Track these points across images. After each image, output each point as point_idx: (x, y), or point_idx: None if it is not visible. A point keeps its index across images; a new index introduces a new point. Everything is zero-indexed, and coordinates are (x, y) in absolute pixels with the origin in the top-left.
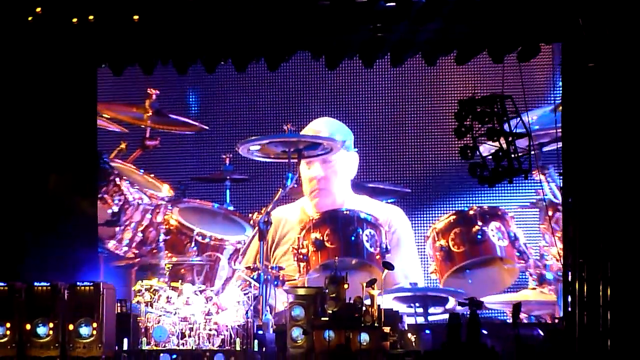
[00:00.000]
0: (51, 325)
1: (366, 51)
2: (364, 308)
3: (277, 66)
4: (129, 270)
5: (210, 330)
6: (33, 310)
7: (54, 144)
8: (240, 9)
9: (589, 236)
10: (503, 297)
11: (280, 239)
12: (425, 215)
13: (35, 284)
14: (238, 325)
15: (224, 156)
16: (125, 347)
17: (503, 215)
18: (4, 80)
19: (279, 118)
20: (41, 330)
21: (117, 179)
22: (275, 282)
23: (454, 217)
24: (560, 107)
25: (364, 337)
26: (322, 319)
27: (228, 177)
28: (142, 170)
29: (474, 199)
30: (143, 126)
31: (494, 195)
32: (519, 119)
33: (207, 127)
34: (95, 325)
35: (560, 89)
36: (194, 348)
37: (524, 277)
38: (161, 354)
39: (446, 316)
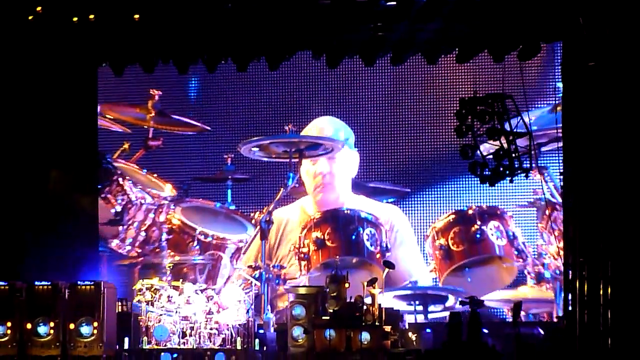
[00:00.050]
0: (52, 324)
1: (367, 50)
2: (364, 307)
3: (278, 66)
4: (132, 269)
5: (211, 329)
6: (34, 309)
7: (54, 143)
8: (241, 8)
9: (589, 235)
10: (501, 294)
11: (282, 239)
12: (424, 215)
13: (36, 283)
14: (239, 324)
15: (225, 156)
16: (126, 346)
17: (502, 214)
18: (4, 80)
19: (279, 118)
20: (42, 329)
21: (120, 179)
22: (277, 281)
23: (453, 216)
24: (559, 108)
25: (365, 336)
26: (323, 318)
27: (230, 177)
28: (145, 170)
29: (472, 198)
30: (146, 127)
31: (493, 194)
32: (519, 118)
33: (209, 128)
34: (96, 324)
35: (559, 88)
36: (194, 347)
37: (522, 275)
38: (162, 353)
39: (446, 314)
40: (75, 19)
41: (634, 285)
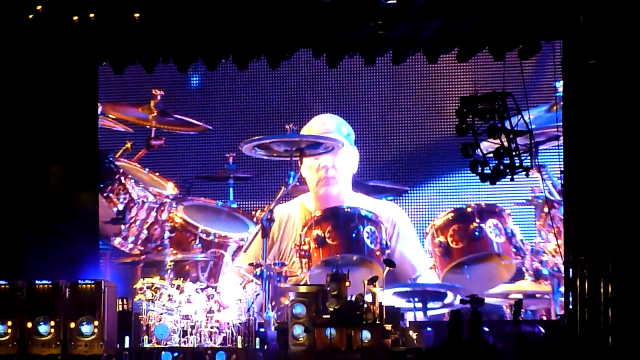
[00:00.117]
0: (52, 323)
1: (367, 49)
2: (365, 306)
3: (278, 64)
4: (135, 267)
5: (211, 328)
6: (34, 308)
7: (55, 141)
8: (241, 7)
9: (589, 234)
10: (499, 288)
11: (284, 235)
12: (423, 213)
13: (37, 282)
14: (240, 323)
15: (227, 155)
16: (126, 345)
17: (500, 212)
18: (5, 79)
19: (280, 116)
20: (42, 328)
21: (122, 178)
22: (278, 279)
23: (453, 214)
24: (556, 107)
25: (366, 335)
26: (324, 316)
27: (231, 176)
28: (147, 169)
29: (471, 196)
30: (148, 126)
31: (491, 192)
32: (519, 116)
33: (210, 127)
34: (96, 323)
35: (557, 87)
36: (195, 346)
37: (520, 272)
38: (163, 352)
39: (445, 311)
40: (75, 17)
41: (634, 284)
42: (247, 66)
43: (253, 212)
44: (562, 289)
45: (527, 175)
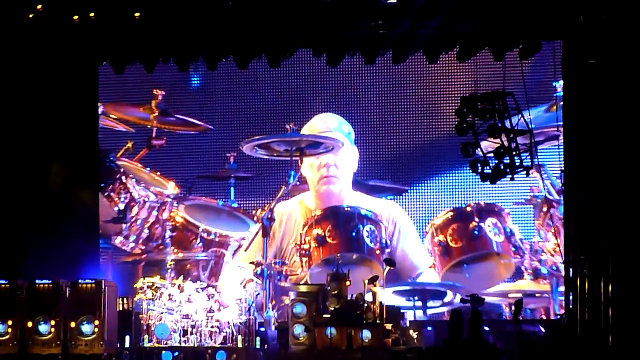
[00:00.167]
0: (53, 322)
1: (367, 48)
2: (365, 305)
3: (279, 63)
4: (136, 266)
5: (212, 327)
6: (35, 307)
7: (55, 140)
8: (241, 6)
9: (590, 233)
10: (498, 287)
11: (284, 233)
12: (423, 212)
13: (37, 281)
14: (240, 323)
15: (228, 155)
16: (127, 345)
17: (499, 211)
18: (5, 78)
19: (280, 116)
20: (43, 327)
21: (123, 177)
22: (279, 277)
23: (452, 213)
24: (555, 107)
25: (366, 334)
26: (324, 316)
27: (232, 175)
28: (148, 169)
29: (470, 195)
30: (149, 126)
31: (490, 192)
32: (520, 115)
33: (211, 127)
34: (97, 322)
35: (556, 87)
36: (195, 345)
37: (519, 271)
38: (163, 352)
39: (444, 309)
40: (75, 17)
41: (635, 283)
42: (247, 66)
43: (254, 212)
44: (561, 287)
45: (527, 174)
